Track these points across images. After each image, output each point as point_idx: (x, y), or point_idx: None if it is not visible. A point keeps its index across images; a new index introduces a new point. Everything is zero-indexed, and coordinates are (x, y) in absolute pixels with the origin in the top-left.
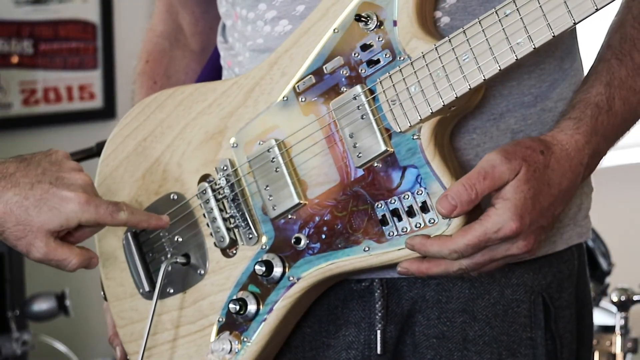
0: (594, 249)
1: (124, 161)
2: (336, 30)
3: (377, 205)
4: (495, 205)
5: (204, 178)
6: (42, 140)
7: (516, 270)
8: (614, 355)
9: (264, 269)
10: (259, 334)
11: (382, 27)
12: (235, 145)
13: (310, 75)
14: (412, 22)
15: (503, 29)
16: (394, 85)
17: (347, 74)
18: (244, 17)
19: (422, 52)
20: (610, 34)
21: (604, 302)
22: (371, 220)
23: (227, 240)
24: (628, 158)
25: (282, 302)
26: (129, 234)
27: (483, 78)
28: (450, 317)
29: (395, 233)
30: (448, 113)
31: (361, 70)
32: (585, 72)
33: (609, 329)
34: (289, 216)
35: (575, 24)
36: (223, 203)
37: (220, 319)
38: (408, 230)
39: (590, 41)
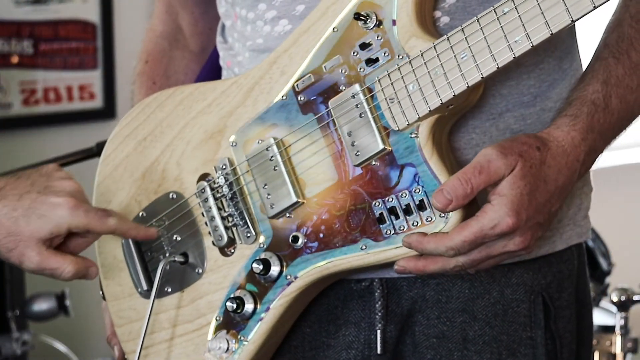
0: (594, 249)
1: (123, 161)
2: (335, 29)
3: (375, 203)
4: (491, 202)
5: (203, 177)
6: (42, 140)
7: (516, 270)
8: (614, 355)
9: (261, 267)
10: (256, 332)
11: (381, 26)
12: (234, 144)
13: (309, 74)
14: (411, 21)
15: (501, 27)
16: (392, 83)
17: (346, 73)
18: (244, 17)
19: (421, 51)
20: (607, 32)
21: (604, 302)
22: (369, 218)
23: (225, 239)
24: (628, 158)
25: (279, 300)
26: None
27: (481, 76)
28: (450, 316)
29: (393, 231)
30: (446, 111)
31: (360, 69)
32: None
33: (609, 329)
34: (287, 215)
35: (572, 22)
36: (221, 202)
37: (218, 318)
38: (405, 229)
39: (590, 41)
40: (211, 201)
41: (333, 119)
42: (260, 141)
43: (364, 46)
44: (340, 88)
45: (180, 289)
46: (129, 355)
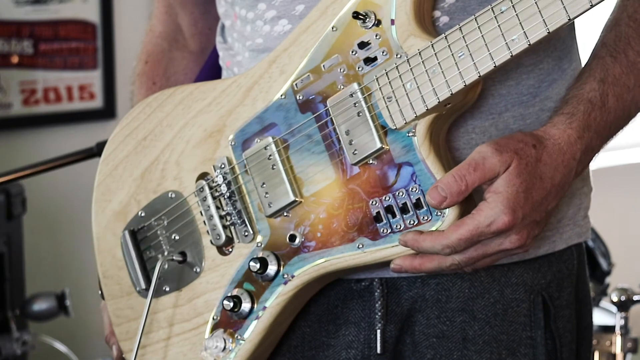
0: (594, 249)
1: (123, 160)
2: (335, 29)
3: (372, 202)
4: (487, 199)
5: (202, 176)
6: (42, 140)
7: (516, 269)
8: (614, 355)
9: (258, 266)
10: (253, 331)
11: (380, 26)
12: (233, 143)
13: (308, 73)
14: (409, 20)
15: (499, 25)
16: (390, 82)
17: (345, 72)
18: (243, 17)
19: (419, 50)
20: (605, 32)
21: (604, 302)
22: (366, 217)
23: (223, 238)
24: (627, 158)
25: (276, 299)
26: (126, 232)
27: (478, 74)
28: (450, 316)
29: (389, 230)
30: (444, 110)
31: (358, 67)
32: None
33: (609, 329)
34: (285, 214)
35: (570, 20)
36: (220, 201)
37: (215, 317)
38: (402, 227)
39: (589, 41)
40: (209, 200)
41: (331, 118)
42: (258, 140)
43: (363, 45)
44: (339, 87)
45: (178, 287)
46: (126, 355)
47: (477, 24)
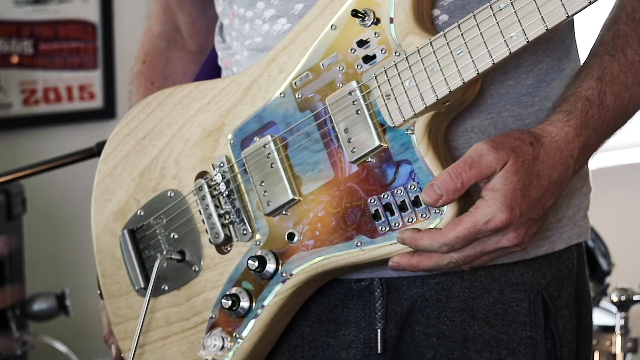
0: (594, 249)
1: (123, 159)
2: (334, 27)
3: (370, 200)
4: (484, 197)
5: (201, 175)
6: (42, 140)
7: (515, 269)
8: (614, 355)
9: (256, 264)
10: (252, 330)
11: (379, 24)
12: (232, 142)
13: (307, 72)
14: (408, 19)
15: (497, 22)
16: (388, 80)
17: (344, 70)
18: (242, 15)
19: (417, 47)
20: (603, 30)
21: (604, 302)
22: (364, 215)
23: (222, 236)
24: (628, 158)
25: (274, 298)
26: (125, 231)
27: (477, 72)
28: (450, 316)
29: (388, 228)
30: (442, 108)
31: (357, 66)
32: None
33: (609, 329)
34: (283, 212)
35: (568, 17)
36: (219, 199)
37: (213, 315)
38: (400, 225)
39: (589, 41)
40: (208, 199)
41: (330, 116)
42: (257, 139)
43: (362, 43)
44: (338, 85)
45: (176, 286)
46: (125, 354)
47: (476, 21)
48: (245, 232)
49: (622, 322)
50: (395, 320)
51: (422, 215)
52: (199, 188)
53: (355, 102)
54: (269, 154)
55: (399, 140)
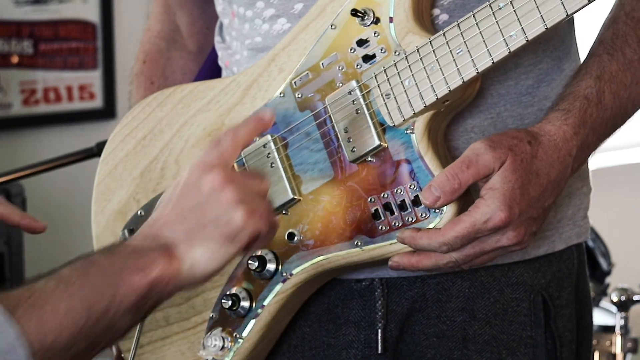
0: (594, 249)
1: (123, 159)
2: (333, 27)
3: (370, 199)
4: (483, 196)
5: None
6: (42, 140)
7: (516, 269)
8: (614, 355)
9: (256, 264)
10: (252, 330)
11: (378, 23)
12: None
13: (307, 72)
14: (408, 18)
15: (497, 21)
16: (388, 79)
17: (343, 70)
18: (242, 15)
19: (417, 47)
20: (602, 29)
21: (604, 302)
22: (364, 215)
23: None
24: (628, 158)
25: (274, 298)
26: (126, 231)
27: (476, 71)
28: (450, 316)
29: (387, 228)
30: (442, 107)
31: (357, 65)
32: None
33: (609, 329)
34: (283, 212)
35: (567, 16)
36: None
37: (213, 315)
38: (400, 225)
39: (589, 42)
40: None
41: (330, 116)
42: (257, 138)
43: (361, 43)
44: (337, 85)
45: None
46: (125, 354)
47: (475, 20)
48: None
49: (622, 322)
50: (395, 320)
51: (421, 214)
52: None
53: (355, 102)
54: (268, 153)
55: (398, 140)
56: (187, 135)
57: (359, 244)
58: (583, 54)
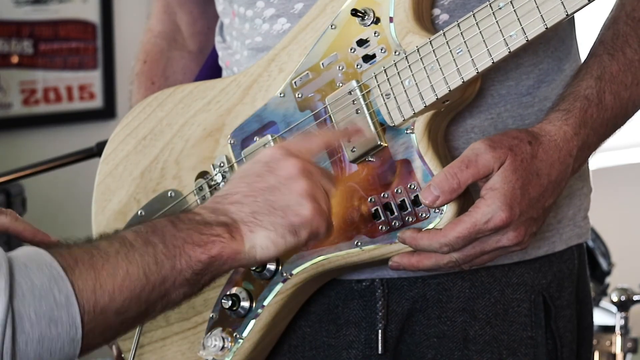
0: (594, 249)
1: (123, 159)
2: (333, 27)
3: (370, 199)
4: (484, 196)
5: (201, 175)
6: (42, 140)
7: (516, 269)
8: (614, 355)
9: None
10: (252, 330)
11: (378, 23)
12: (232, 141)
13: (307, 71)
14: (408, 18)
15: (497, 21)
16: (388, 79)
17: (344, 70)
18: (242, 14)
19: (417, 46)
20: (603, 30)
21: (604, 302)
22: (364, 215)
23: None
24: (628, 158)
25: (275, 298)
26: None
27: (476, 71)
28: (451, 316)
29: (388, 228)
30: (442, 107)
31: (357, 65)
32: None
33: (609, 329)
34: None
35: (567, 16)
36: None
37: (213, 316)
38: (400, 225)
39: (589, 41)
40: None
41: (330, 115)
42: (257, 138)
43: (361, 43)
44: (338, 84)
45: None
46: (125, 354)
47: (475, 20)
48: None
49: (622, 322)
50: (396, 320)
51: (422, 214)
52: (199, 188)
53: (355, 102)
54: None
55: (398, 140)
56: (188, 135)
57: (359, 244)
58: (583, 54)
